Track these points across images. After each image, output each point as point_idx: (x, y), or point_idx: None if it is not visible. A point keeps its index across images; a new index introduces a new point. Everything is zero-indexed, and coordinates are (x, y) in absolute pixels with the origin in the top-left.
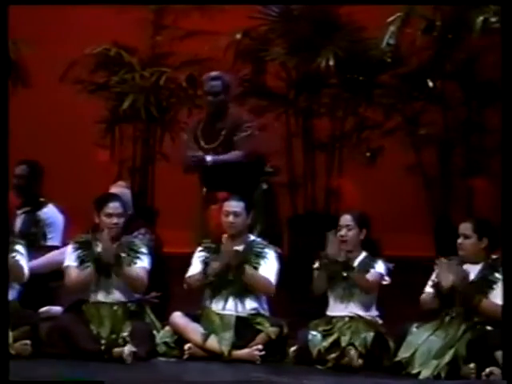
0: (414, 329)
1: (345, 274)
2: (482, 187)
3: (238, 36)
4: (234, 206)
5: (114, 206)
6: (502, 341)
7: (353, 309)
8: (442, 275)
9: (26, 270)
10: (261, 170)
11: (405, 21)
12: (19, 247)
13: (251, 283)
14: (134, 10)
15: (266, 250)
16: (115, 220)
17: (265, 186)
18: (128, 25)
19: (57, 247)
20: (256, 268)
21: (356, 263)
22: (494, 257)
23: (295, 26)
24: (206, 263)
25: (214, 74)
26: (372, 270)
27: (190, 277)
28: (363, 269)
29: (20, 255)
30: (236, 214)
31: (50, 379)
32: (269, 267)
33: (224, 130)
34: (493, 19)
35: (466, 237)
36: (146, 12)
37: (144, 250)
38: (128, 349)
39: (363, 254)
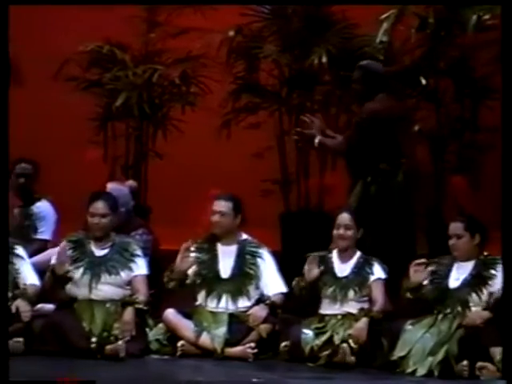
0: (408, 327)
1: (340, 275)
2: (463, 184)
3: (231, 33)
4: (221, 205)
5: (96, 206)
6: (502, 341)
7: (346, 308)
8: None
9: (35, 289)
10: (372, 164)
11: (398, 18)
12: (20, 251)
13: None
14: (126, 8)
15: (260, 250)
16: (96, 220)
17: (368, 179)
18: (121, 22)
19: (47, 241)
20: (252, 268)
21: (352, 264)
22: (485, 253)
23: (288, 24)
24: (198, 263)
25: (360, 63)
26: (375, 283)
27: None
28: (361, 279)
29: (23, 264)
30: (222, 214)
31: (42, 377)
32: (268, 268)
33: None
34: (486, 16)
35: (459, 237)
36: (138, 9)
37: (139, 252)
38: (121, 343)
39: (358, 254)
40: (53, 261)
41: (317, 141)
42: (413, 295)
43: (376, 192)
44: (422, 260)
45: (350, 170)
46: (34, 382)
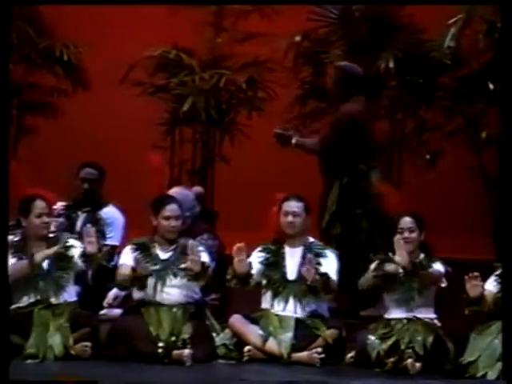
0: (476, 333)
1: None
2: None
3: (298, 38)
4: (293, 206)
5: (171, 209)
6: (503, 341)
7: (412, 312)
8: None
9: None
10: (349, 165)
11: (466, 23)
12: None
13: (318, 285)
14: (193, 13)
15: (325, 251)
16: (173, 223)
17: (344, 180)
18: (188, 27)
19: (116, 246)
20: (316, 268)
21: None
22: None
23: (355, 29)
24: (264, 264)
25: (337, 64)
26: (432, 269)
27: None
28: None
29: None
30: (295, 214)
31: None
32: (330, 266)
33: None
34: None
35: None
36: (205, 14)
37: (202, 250)
38: (188, 350)
39: (421, 256)
40: (120, 262)
41: (294, 141)
42: (474, 309)
43: (353, 192)
44: (476, 273)
45: (324, 169)
46: (33, 382)
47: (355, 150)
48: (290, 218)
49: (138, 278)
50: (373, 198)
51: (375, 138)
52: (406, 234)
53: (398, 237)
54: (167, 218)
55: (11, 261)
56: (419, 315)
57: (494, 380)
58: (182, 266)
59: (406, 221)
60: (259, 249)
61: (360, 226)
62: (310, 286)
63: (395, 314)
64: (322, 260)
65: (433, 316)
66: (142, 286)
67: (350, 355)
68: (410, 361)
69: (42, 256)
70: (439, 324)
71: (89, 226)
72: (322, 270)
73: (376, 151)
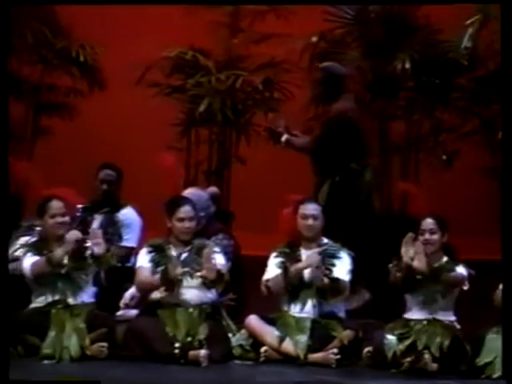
0: (493, 334)
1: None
2: None
3: (314, 39)
4: (313, 208)
5: (185, 210)
6: (503, 341)
7: (432, 314)
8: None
9: None
10: (341, 163)
11: (482, 23)
12: None
13: (326, 288)
14: (209, 13)
15: (340, 251)
16: (187, 224)
17: (336, 179)
18: (204, 28)
19: (133, 248)
20: (330, 269)
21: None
22: None
23: (371, 29)
24: (283, 268)
25: (321, 65)
26: (455, 272)
27: (269, 280)
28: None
29: None
30: (315, 217)
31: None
32: (343, 268)
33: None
34: None
35: None
36: (221, 15)
37: (217, 250)
38: (204, 351)
39: (445, 259)
40: (138, 265)
41: (283, 139)
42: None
43: (345, 191)
44: None
45: (316, 169)
46: (34, 382)
47: (347, 149)
48: (310, 222)
49: (169, 281)
50: (366, 197)
51: (369, 136)
52: (427, 236)
53: (418, 239)
54: (181, 220)
55: (30, 259)
56: (439, 317)
57: (493, 380)
58: (198, 274)
59: (428, 222)
60: (275, 254)
61: (348, 225)
62: (319, 289)
63: (416, 315)
64: (335, 261)
65: (452, 318)
66: (172, 289)
67: (367, 349)
68: (426, 361)
69: (61, 253)
70: (458, 326)
71: (95, 227)
72: (335, 270)
73: (369, 150)
